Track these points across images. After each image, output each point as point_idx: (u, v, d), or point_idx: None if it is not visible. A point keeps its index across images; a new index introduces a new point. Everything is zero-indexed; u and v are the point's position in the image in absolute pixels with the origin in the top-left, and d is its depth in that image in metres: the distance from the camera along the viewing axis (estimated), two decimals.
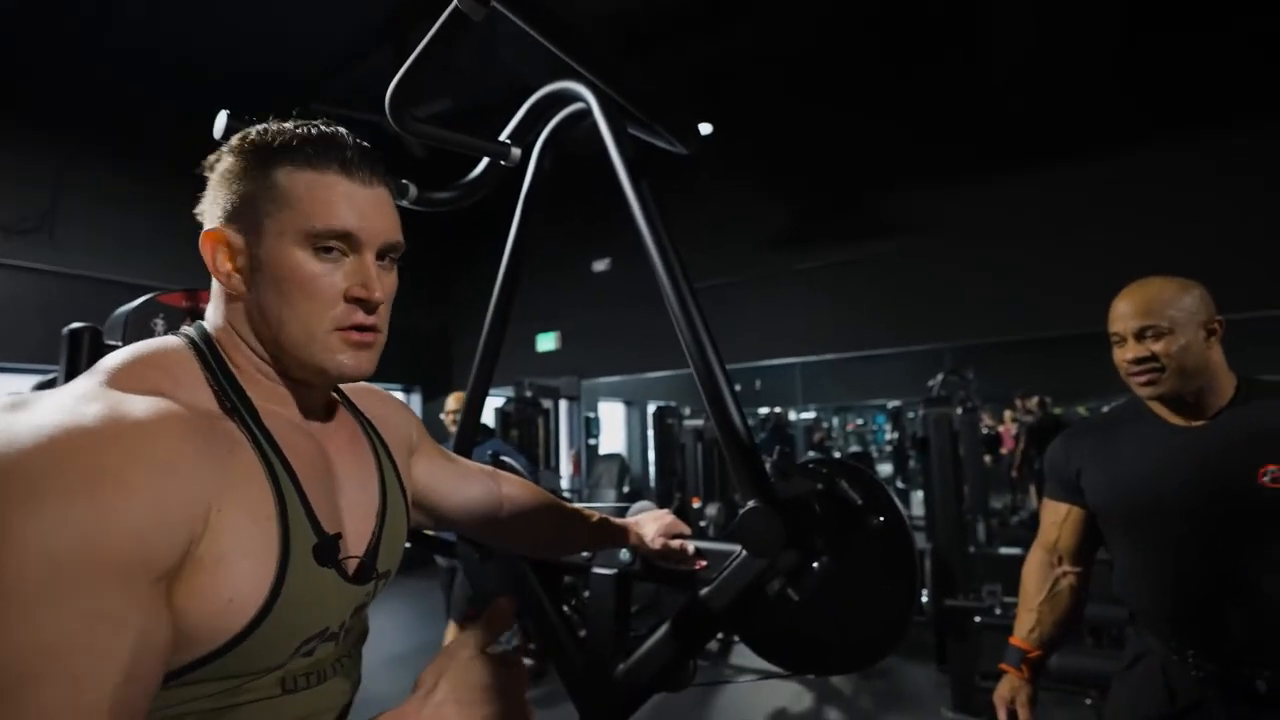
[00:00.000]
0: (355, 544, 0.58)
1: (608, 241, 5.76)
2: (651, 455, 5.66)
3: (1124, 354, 1.13)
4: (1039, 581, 1.28)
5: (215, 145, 0.59)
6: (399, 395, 6.84)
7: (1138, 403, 1.19)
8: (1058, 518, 1.27)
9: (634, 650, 1.04)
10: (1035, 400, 5.89)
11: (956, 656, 2.99)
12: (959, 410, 3.28)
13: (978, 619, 2.86)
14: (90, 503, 0.39)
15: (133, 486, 0.41)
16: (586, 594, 1.31)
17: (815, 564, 0.93)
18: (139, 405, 0.45)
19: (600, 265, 5.89)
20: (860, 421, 11.21)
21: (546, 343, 6.13)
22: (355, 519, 0.58)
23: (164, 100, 4.43)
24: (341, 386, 0.68)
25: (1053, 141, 4.25)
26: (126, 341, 0.78)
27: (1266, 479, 1.00)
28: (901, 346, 5.20)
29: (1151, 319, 1.09)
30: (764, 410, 8.18)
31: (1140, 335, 1.11)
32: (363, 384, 0.72)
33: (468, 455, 1.33)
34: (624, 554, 1.05)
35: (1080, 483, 1.21)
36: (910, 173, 4.77)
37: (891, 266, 4.85)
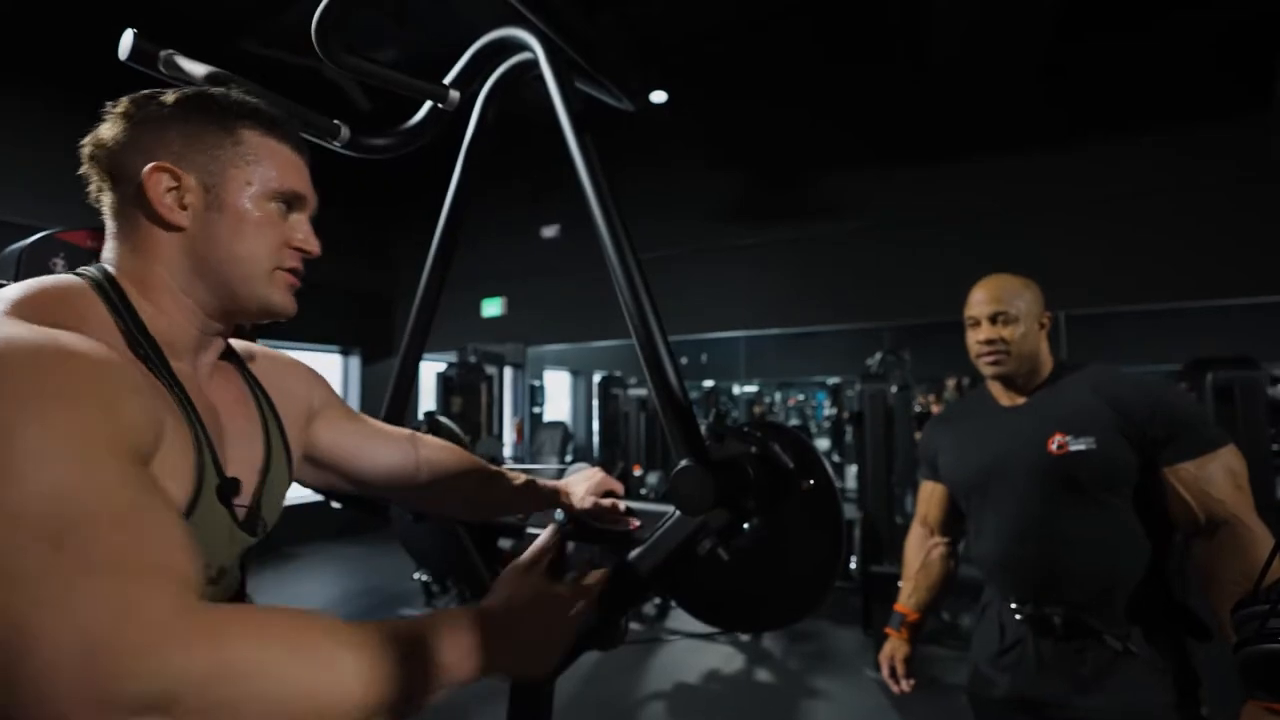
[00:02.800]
0: (242, 495, 0.61)
1: (558, 207, 5.66)
2: (596, 424, 5.67)
3: (977, 335, 1.28)
4: (916, 552, 1.45)
5: (124, 78, 0.59)
6: (335, 358, 6.65)
7: (982, 391, 1.37)
8: (926, 494, 1.45)
9: None
10: (954, 382, 6.18)
11: (881, 620, 3.15)
12: (894, 388, 3.41)
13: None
14: (95, 401, 0.40)
15: (119, 391, 0.43)
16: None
17: (745, 524, 0.95)
18: (67, 335, 0.44)
19: (549, 231, 5.79)
20: (801, 397, 11.54)
21: (492, 308, 6.02)
22: (241, 471, 0.61)
23: (70, 31, 4.05)
24: (241, 350, 0.72)
25: (992, 133, 4.40)
26: (20, 280, 0.72)
27: (1054, 446, 1.18)
28: (843, 324, 5.34)
29: (1003, 306, 1.25)
30: (709, 383, 8.30)
31: (994, 319, 1.26)
32: (264, 348, 0.77)
33: (399, 419, 1.29)
34: (559, 515, 1.05)
35: (938, 462, 1.40)
36: (856, 157, 4.85)
37: (835, 246, 4.96)
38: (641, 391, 4.39)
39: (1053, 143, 4.20)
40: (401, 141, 1.09)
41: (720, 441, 0.95)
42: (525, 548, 1.10)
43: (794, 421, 8.09)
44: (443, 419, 1.41)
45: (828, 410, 7.67)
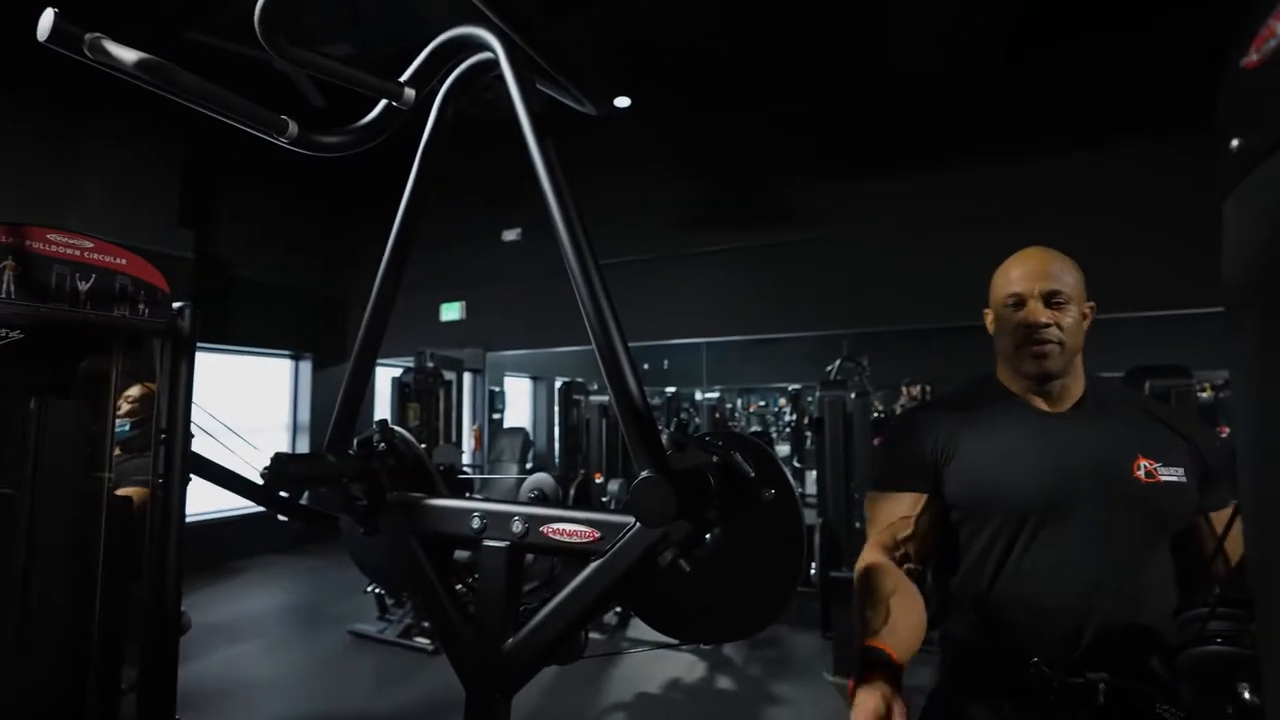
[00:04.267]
0: None
1: (519, 211, 5.61)
2: (558, 431, 5.61)
3: (1026, 315, 1.02)
4: (886, 579, 0.96)
5: (52, 62, 0.52)
6: (286, 363, 6.43)
7: (993, 383, 1.11)
8: (906, 508, 1.06)
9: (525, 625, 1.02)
10: (918, 388, 6.33)
11: (840, 624, 3.19)
12: (853, 395, 3.46)
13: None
14: None
15: None
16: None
17: (707, 535, 0.94)
18: None
19: (511, 235, 5.73)
20: (763, 403, 11.68)
21: (451, 313, 5.91)
22: None
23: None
24: None
25: (951, 146, 4.53)
26: None
27: (1140, 472, 0.97)
28: (803, 332, 5.42)
29: (1057, 284, 1.02)
30: (671, 390, 8.32)
31: (1048, 299, 1.02)
32: None
33: (350, 426, 1.25)
34: (516, 524, 1.03)
35: (945, 470, 1.04)
36: (818, 167, 4.94)
37: (796, 254, 5.04)
38: (604, 398, 4.35)
39: (1008, 156, 4.35)
40: (355, 140, 1.06)
41: (682, 451, 0.94)
42: (483, 560, 1.08)
43: (755, 427, 8.14)
44: (397, 428, 1.37)
45: (788, 416, 7.75)
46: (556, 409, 5.67)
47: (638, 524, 0.90)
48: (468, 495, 1.67)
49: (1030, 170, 4.29)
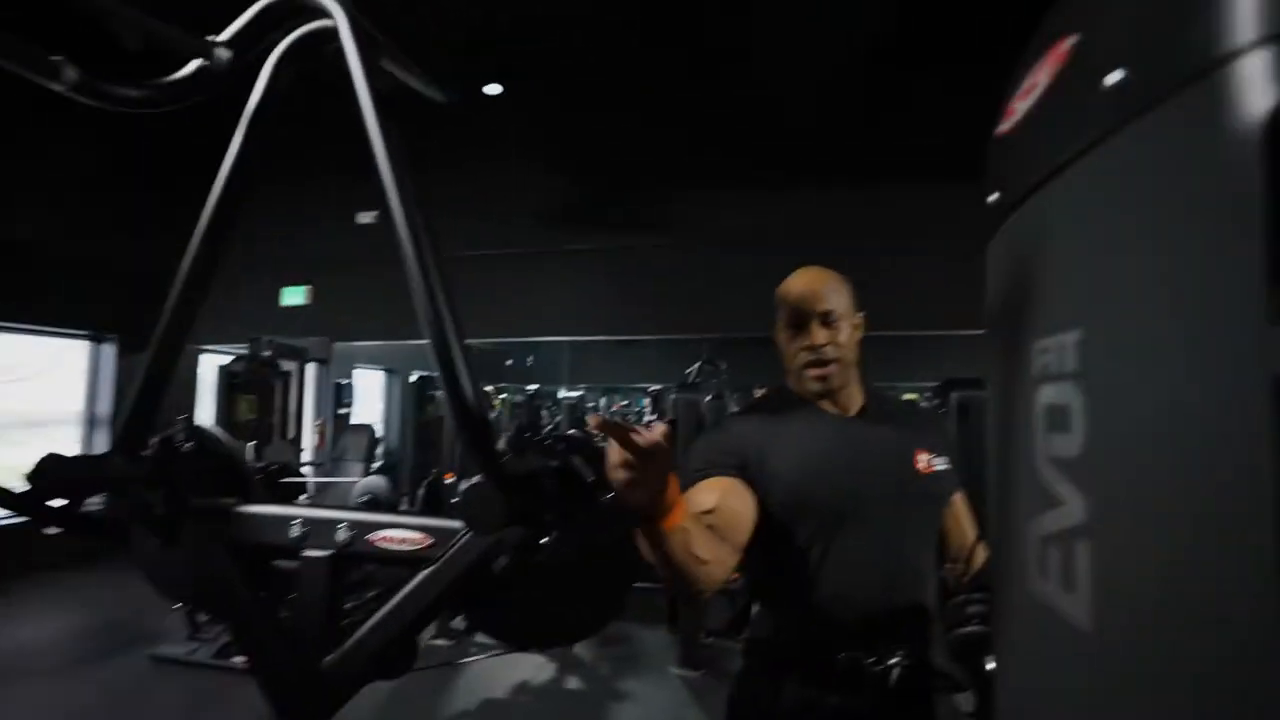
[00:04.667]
0: None
1: (376, 192, 5.26)
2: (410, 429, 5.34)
3: (803, 340, 1.09)
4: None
5: None
6: (84, 345, 5.53)
7: (788, 393, 1.17)
8: (721, 486, 1.03)
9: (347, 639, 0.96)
10: (763, 392, 6.77)
11: (685, 618, 3.32)
12: (708, 397, 3.62)
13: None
14: None
15: None
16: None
17: (543, 540, 0.93)
18: None
19: (366, 217, 5.35)
20: (625, 403, 11.88)
21: (294, 297, 5.41)
22: None
23: None
24: None
25: (812, 163, 4.87)
26: None
27: (921, 464, 1.08)
28: (665, 334, 5.59)
29: (831, 304, 1.09)
30: (533, 387, 8.23)
31: (825, 320, 1.08)
32: None
33: (149, 421, 1.10)
34: (340, 532, 0.96)
35: (765, 468, 1.06)
36: (684, 172, 5.09)
37: (660, 258, 5.18)
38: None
39: (866, 178, 4.75)
40: (158, 96, 0.93)
41: (521, 455, 0.93)
42: (302, 571, 0.99)
43: None
44: (208, 427, 1.22)
45: (649, 416, 7.96)
46: (409, 405, 5.38)
47: (469, 530, 0.88)
48: (299, 501, 1.54)
49: (868, 196, 4.73)
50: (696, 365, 5.94)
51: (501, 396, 10.06)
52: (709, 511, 0.98)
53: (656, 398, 7.46)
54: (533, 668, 3.35)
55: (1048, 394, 0.43)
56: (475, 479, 0.82)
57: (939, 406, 3.50)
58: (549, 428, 7.58)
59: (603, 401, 11.76)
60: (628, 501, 0.74)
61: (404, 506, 4.58)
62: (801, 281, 1.13)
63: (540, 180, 5.28)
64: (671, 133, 5.05)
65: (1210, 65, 0.31)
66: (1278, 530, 0.26)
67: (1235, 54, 0.30)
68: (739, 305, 4.95)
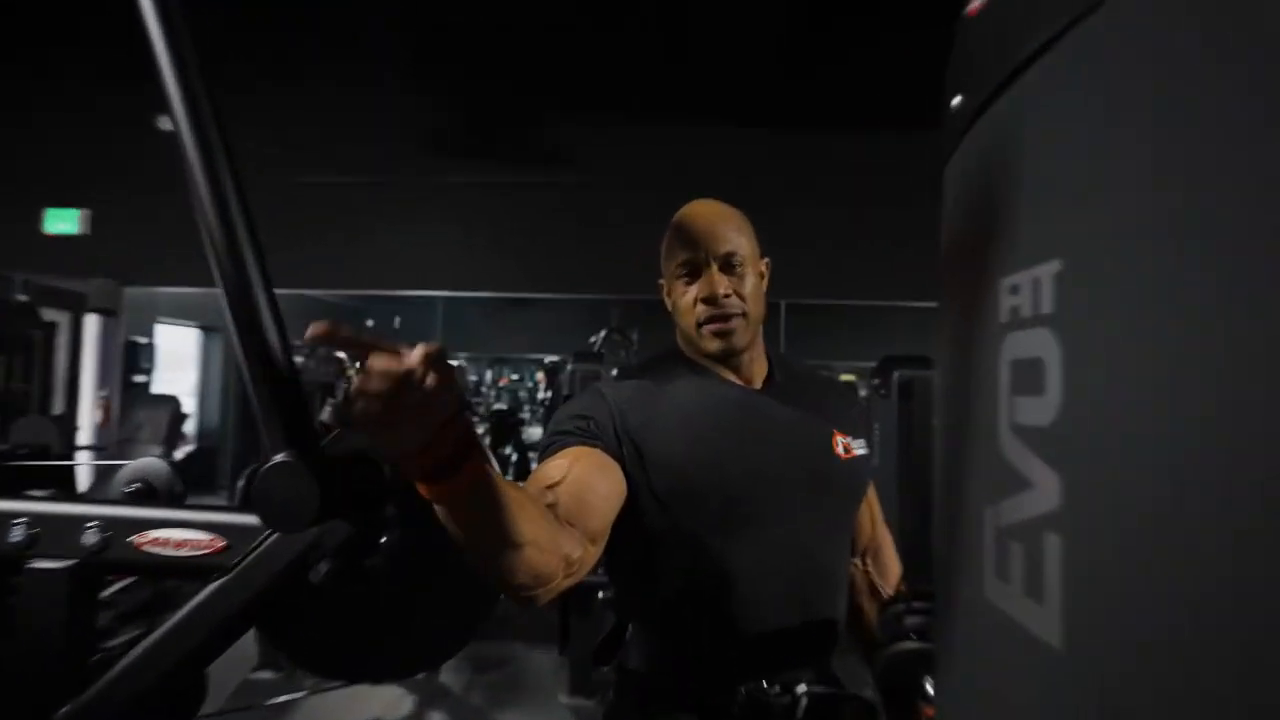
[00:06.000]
0: None
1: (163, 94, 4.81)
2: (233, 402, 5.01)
3: (702, 290, 1.05)
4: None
5: None
6: None
7: (676, 357, 1.14)
8: (574, 455, 0.96)
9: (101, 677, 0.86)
10: (647, 358, 6.91)
11: (579, 637, 3.32)
12: (613, 372, 3.59)
13: (602, 594, 3.19)
14: None
15: None
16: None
17: (381, 539, 0.87)
18: None
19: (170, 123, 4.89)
20: (516, 377, 11.75)
21: (63, 223, 4.87)
22: None
23: None
24: None
25: (738, 107, 4.88)
26: None
27: (840, 448, 1.08)
28: (564, 293, 5.53)
29: (733, 245, 1.05)
30: None
31: (727, 264, 1.05)
32: None
33: None
34: (89, 534, 0.84)
35: (643, 448, 1.00)
36: (596, 102, 4.96)
37: (561, 200, 5.07)
38: (296, 358, 3.97)
39: (796, 127, 4.81)
40: None
41: (350, 428, 0.86)
42: (26, 588, 0.87)
43: (499, 405, 8.16)
44: None
45: (543, 392, 7.90)
46: (233, 373, 5.05)
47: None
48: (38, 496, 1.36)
49: (809, 140, 4.81)
50: (601, 333, 5.92)
51: (357, 366, 9.56)
52: (553, 486, 0.90)
53: (552, 371, 7.39)
54: (386, 702, 3.25)
55: (1016, 345, 0.41)
56: (275, 459, 0.73)
57: (879, 388, 3.65)
58: None
59: (488, 375, 11.59)
60: (377, 446, 0.65)
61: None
62: (696, 217, 1.08)
63: (411, 95, 4.99)
64: (581, 47, 4.92)
65: None
66: None
67: None
68: (656, 262, 4.95)
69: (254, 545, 0.84)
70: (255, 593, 0.83)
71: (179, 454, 4.31)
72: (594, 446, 0.98)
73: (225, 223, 0.81)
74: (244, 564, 0.83)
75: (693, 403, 1.05)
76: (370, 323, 9.33)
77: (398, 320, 8.91)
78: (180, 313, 7.10)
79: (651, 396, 1.06)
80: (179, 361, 7.32)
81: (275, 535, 0.82)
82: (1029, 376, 0.39)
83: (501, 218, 5.06)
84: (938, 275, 0.58)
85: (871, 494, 1.21)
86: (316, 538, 0.83)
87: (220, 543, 0.85)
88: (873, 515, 1.22)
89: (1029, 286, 0.40)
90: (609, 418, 1.01)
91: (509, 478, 0.93)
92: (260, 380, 0.76)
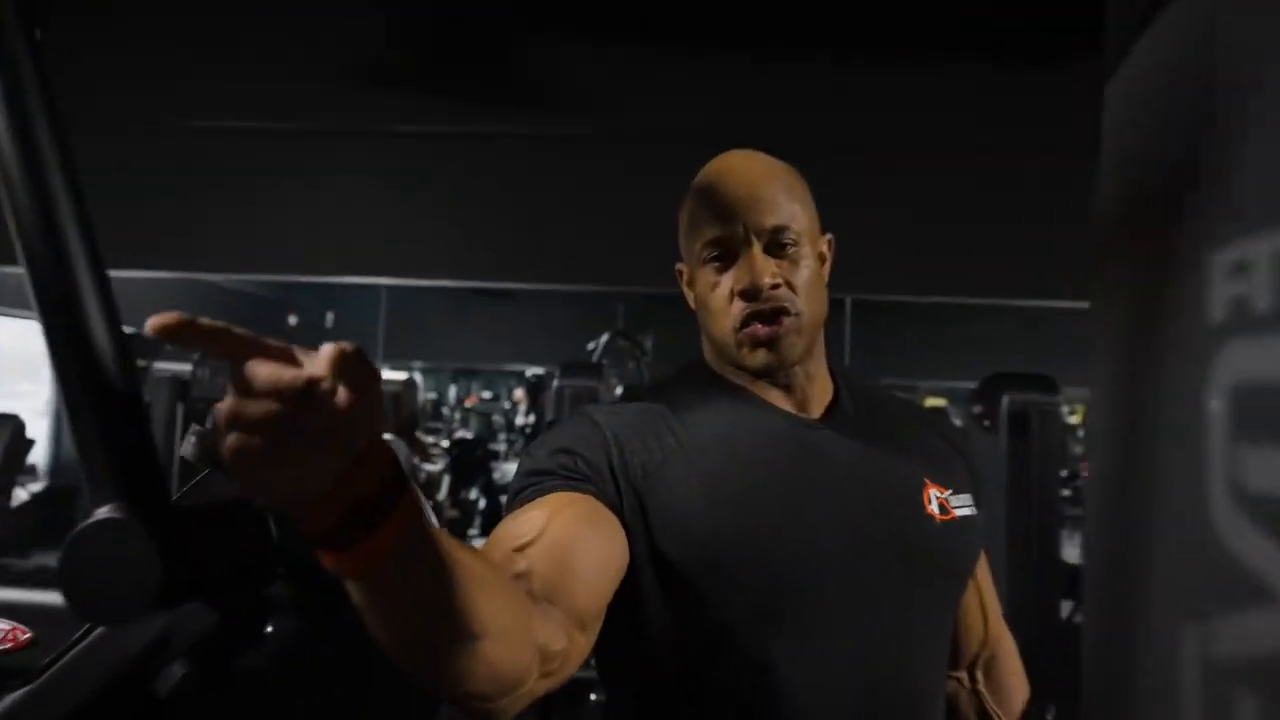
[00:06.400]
0: None
1: None
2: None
3: (739, 279, 1.01)
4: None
5: None
6: None
7: (703, 374, 1.13)
8: (555, 506, 0.92)
9: None
10: (667, 375, 6.91)
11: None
12: (618, 389, 3.57)
13: (595, 696, 3.14)
14: None
15: None
16: None
17: (266, 629, 0.85)
18: None
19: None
20: (488, 395, 11.83)
21: None
22: None
23: None
24: None
25: (799, 28, 4.87)
26: None
27: (934, 506, 1.02)
28: (555, 284, 5.50)
29: (784, 216, 1.01)
30: None
31: (775, 242, 1.01)
32: None
33: None
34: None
35: (650, 498, 0.97)
36: (597, 24, 4.94)
37: (553, 155, 5.04)
38: (180, 365, 4.01)
39: (876, 58, 4.79)
40: None
41: (218, 467, 0.82)
42: None
43: (463, 432, 8.16)
44: None
45: (523, 416, 7.92)
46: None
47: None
48: None
49: (893, 79, 4.78)
50: (603, 338, 5.90)
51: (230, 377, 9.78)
52: (524, 548, 0.85)
53: (536, 387, 7.40)
54: None
55: (1240, 359, 0.36)
56: (102, 512, 0.69)
57: (980, 418, 3.58)
58: None
59: (451, 392, 11.70)
60: (256, 494, 0.56)
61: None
62: (731, 176, 1.04)
63: (355, 26, 5.00)
64: None
65: None
66: None
67: None
68: (675, 241, 4.91)
69: (72, 640, 0.81)
70: (71, 710, 0.80)
71: (20, 494, 4.34)
72: (583, 492, 0.93)
73: (33, 174, 0.78)
74: (56, 667, 0.80)
75: (723, 439, 1.01)
76: (293, 320, 9.38)
77: (330, 317, 9.02)
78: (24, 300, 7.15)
79: (664, 428, 1.02)
80: (23, 367, 7.37)
81: (99, 628, 0.79)
82: (1267, 412, 0.33)
83: (467, 180, 5.04)
84: (1093, 249, 0.53)
85: (984, 575, 1.15)
86: (163, 630, 0.80)
87: (23, 634, 0.83)
88: (984, 607, 1.17)
89: (1267, 264, 0.34)
90: (603, 454, 0.97)
91: (475, 526, 0.89)
92: (79, 397, 0.72)
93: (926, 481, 1.03)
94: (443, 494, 6.64)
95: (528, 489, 0.94)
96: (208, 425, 0.78)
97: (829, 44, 4.75)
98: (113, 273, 0.85)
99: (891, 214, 4.67)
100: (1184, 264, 0.40)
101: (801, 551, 0.95)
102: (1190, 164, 0.41)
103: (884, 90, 4.76)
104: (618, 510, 0.94)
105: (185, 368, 4.09)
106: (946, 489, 1.04)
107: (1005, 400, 3.26)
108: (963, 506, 1.05)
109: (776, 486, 0.98)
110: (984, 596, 1.15)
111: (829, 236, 1.09)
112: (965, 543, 1.05)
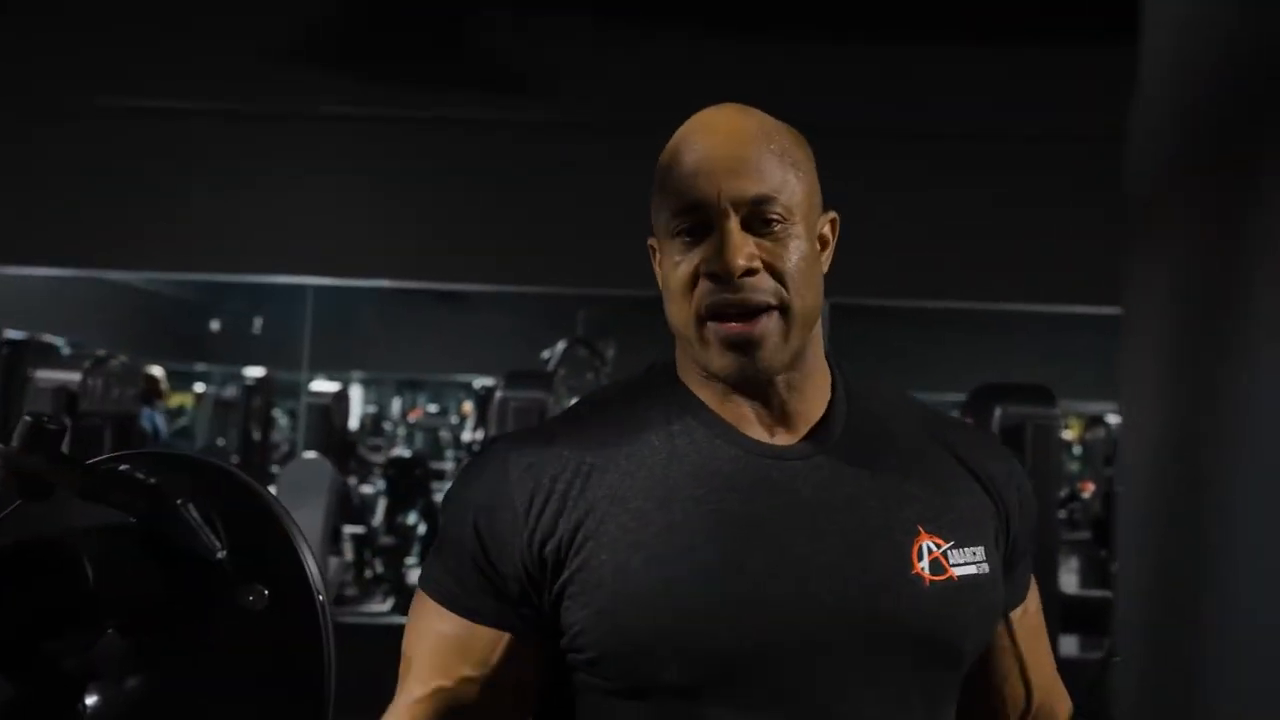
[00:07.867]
0: None
1: None
2: None
3: (707, 257, 0.90)
4: None
5: None
6: None
7: (669, 384, 1.02)
8: (477, 656, 0.93)
9: None
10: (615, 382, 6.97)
11: None
12: (571, 399, 3.52)
13: None
14: None
15: None
16: None
17: (87, 698, 0.76)
18: None
19: None
20: (435, 408, 11.76)
21: None
22: None
23: None
24: None
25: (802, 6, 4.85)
26: None
27: (923, 564, 0.92)
28: (509, 285, 5.47)
29: (766, 185, 0.90)
30: (258, 371, 7.96)
31: (758, 215, 0.90)
32: None
33: None
34: None
35: (568, 561, 0.91)
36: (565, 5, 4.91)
37: (512, 147, 5.00)
38: (69, 374, 3.93)
39: (886, 40, 4.77)
40: None
41: (36, 492, 0.74)
42: None
43: (401, 451, 8.09)
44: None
45: (471, 431, 7.84)
46: None
47: None
48: None
49: (896, 58, 4.76)
50: (560, 346, 5.85)
51: (197, 388, 9.65)
52: (421, 700, 0.89)
53: (485, 400, 7.34)
54: None
55: None
56: None
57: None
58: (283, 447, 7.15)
59: (394, 405, 11.64)
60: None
61: None
62: (713, 131, 0.95)
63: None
64: None
65: None
66: None
67: None
68: (647, 244, 4.85)
69: None
70: None
71: None
72: (507, 631, 0.91)
73: None
74: None
75: (658, 480, 0.92)
76: (215, 325, 9.28)
77: (259, 321, 8.94)
78: None
79: (597, 459, 0.93)
80: None
81: None
82: None
83: (415, 169, 5.07)
84: (1122, 251, 0.46)
85: (1024, 633, 1.05)
86: None
87: None
88: (1026, 670, 1.06)
89: None
90: (508, 531, 0.91)
91: (414, 554, 0.83)
92: None
93: (921, 531, 0.93)
94: (378, 519, 6.57)
95: (448, 587, 0.94)
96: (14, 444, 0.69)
97: (833, 22, 4.75)
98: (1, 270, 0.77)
99: (890, 211, 4.66)
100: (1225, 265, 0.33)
101: (751, 623, 0.88)
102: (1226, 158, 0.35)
103: (878, 72, 4.78)
104: (526, 600, 0.91)
105: (74, 377, 3.97)
106: (948, 540, 0.93)
107: (998, 413, 3.22)
108: (967, 564, 0.93)
109: (728, 540, 0.90)
110: (1025, 659, 1.04)
111: (832, 215, 0.98)
112: (964, 609, 0.93)
